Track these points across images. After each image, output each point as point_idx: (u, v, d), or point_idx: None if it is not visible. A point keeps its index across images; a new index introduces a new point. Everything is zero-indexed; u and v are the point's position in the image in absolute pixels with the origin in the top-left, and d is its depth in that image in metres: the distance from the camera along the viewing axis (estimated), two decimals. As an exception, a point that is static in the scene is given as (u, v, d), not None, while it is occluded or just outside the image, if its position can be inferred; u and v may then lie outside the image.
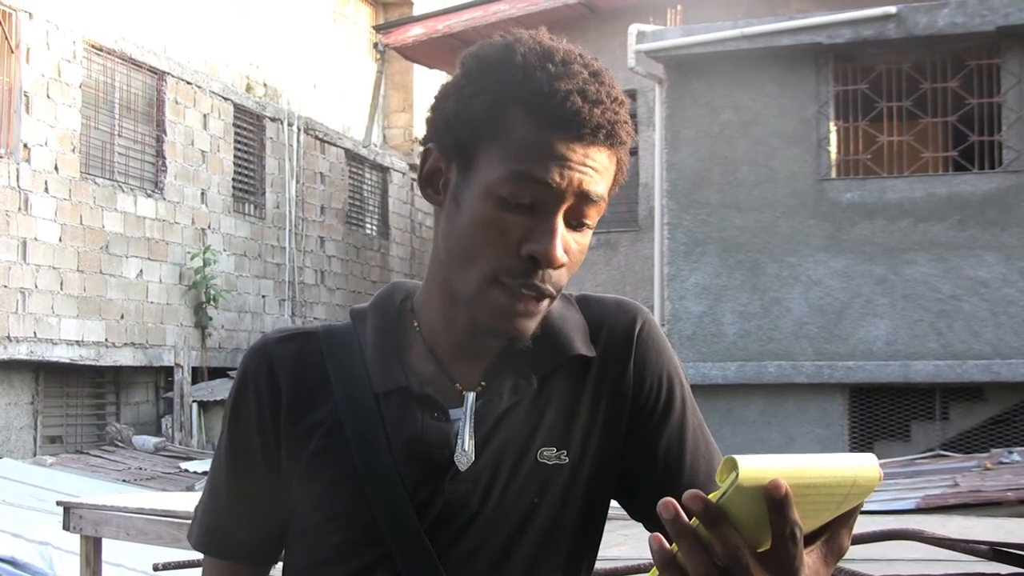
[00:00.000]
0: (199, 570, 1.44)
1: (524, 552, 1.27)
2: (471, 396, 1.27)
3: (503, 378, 1.28)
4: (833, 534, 0.98)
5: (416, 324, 1.32)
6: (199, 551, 1.41)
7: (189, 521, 1.41)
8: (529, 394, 1.29)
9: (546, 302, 1.22)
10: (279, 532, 1.37)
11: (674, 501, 0.91)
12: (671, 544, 0.93)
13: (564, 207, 1.18)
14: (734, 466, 0.89)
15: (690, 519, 0.92)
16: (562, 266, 1.20)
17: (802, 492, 0.91)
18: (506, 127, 1.18)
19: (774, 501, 0.90)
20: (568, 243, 1.20)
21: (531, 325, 1.23)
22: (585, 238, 1.23)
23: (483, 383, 1.29)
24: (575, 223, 1.21)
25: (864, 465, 0.94)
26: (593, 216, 1.22)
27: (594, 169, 1.18)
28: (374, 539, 1.26)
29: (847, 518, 0.98)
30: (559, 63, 1.18)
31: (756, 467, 0.89)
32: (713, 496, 0.91)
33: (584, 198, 1.19)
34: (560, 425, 1.29)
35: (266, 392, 1.31)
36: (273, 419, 1.31)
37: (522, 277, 1.19)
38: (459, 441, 1.25)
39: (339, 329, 1.36)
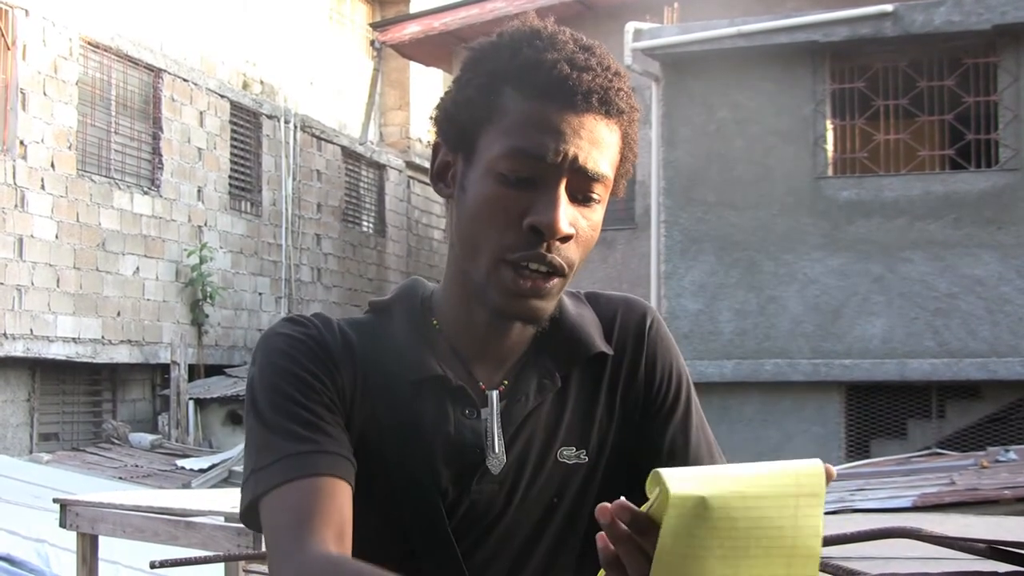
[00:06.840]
0: (195, 568, 1.40)
1: (541, 553, 1.26)
2: (495, 395, 1.25)
3: (527, 378, 1.27)
4: None
5: (435, 322, 1.29)
6: (286, 481, 1.16)
7: (186, 519, 1.36)
8: (552, 393, 1.28)
9: (556, 280, 1.19)
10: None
11: (610, 507, 0.92)
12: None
13: (565, 179, 1.16)
14: (659, 481, 0.89)
15: None
16: (568, 238, 1.18)
17: (746, 506, 0.89)
18: (501, 107, 1.18)
19: None
20: (575, 218, 1.18)
21: (544, 306, 1.20)
22: (595, 214, 1.21)
23: (505, 382, 1.27)
24: (581, 197, 1.19)
25: (803, 463, 0.92)
26: (599, 191, 1.20)
27: (592, 139, 1.17)
28: (399, 537, 1.24)
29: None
30: (546, 38, 1.19)
31: (682, 479, 0.89)
32: (644, 507, 0.92)
33: (585, 169, 1.17)
34: (579, 424, 1.28)
35: (320, 359, 1.22)
36: (332, 383, 1.22)
37: (527, 250, 1.16)
38: (489, 442, 1.24)
39: (362, 320, 1.31)
